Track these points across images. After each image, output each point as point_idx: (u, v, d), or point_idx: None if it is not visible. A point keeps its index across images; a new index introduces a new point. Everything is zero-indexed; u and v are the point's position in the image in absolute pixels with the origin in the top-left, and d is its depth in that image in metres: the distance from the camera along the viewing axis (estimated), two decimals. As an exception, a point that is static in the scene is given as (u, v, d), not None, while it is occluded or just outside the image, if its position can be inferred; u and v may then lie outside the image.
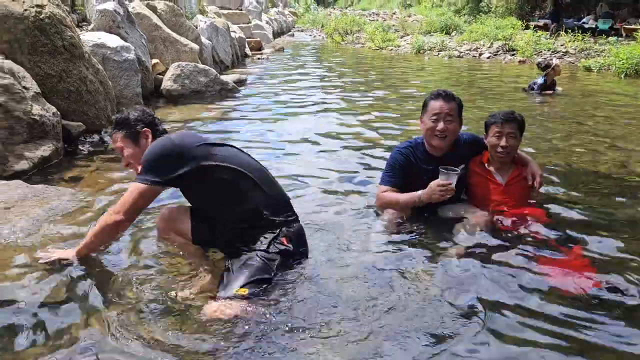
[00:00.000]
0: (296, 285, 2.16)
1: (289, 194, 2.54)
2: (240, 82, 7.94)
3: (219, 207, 2.28)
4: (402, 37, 16.46)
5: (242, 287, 2.03)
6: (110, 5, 5.92)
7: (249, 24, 14.75)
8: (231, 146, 2.41)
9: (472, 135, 3.13)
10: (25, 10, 4.17)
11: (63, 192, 3.20)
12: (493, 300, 2.10)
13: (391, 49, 14.96)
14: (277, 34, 19.73)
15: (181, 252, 2.45)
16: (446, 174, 2.61)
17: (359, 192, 3.40)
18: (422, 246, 2.60)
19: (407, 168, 2.90)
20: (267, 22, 18.05)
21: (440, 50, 13.74)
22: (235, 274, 2.10)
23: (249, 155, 2.44)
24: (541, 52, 12.22)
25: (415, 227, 2.78)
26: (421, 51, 14.04)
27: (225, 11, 13.57)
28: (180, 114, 5.83)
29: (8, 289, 2.14)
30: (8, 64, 3.89)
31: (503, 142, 2.83)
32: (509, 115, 2.87)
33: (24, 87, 3.88)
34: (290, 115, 5.92)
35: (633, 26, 15.20)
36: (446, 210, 2.90)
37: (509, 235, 2.67)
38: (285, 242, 2.23)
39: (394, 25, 20.09)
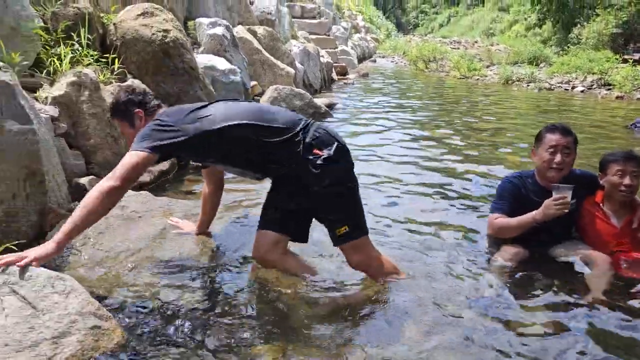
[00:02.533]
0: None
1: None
2: (331, 106, 8.12)
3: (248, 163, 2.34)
4: (488, 67, 16.21)
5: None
6: (219, 30, 6.28)
7: (336, 49, 15.07)
8: (218, 101, 2.45)
9: (584, 171, 3.08)
10: (153, 34, 4.52)
11: (183, 204, 3.41)
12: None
13: (477, 79, 14.76)
14: (360, 60, 20.01)
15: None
16: (560, 190, 2.61)
17: (460, 226, 3.38)
18: (538, 290, 2.55)
19: (517, 198, 2.90)
20: (352, 48, 18.36)
21: (530, 82, 13.40)
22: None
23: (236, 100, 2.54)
24: (640, 87, 11.64)
25: (532, 270, 2.73)
26: (509, 82, 13.76)
27: (314, 36, 13.96)
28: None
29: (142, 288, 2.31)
30: (137, 83, 4.22)
31: (627, 181, 2.74)
32: (630, 153, 2.81)
33: (149, 105, 4.19)
34: (380, 141, 5.97)
35: None
36: (560, 249, 2.84)
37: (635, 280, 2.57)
38: (319, 152, 2.23)
39: (477, 55, 19.86)
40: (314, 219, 2.49)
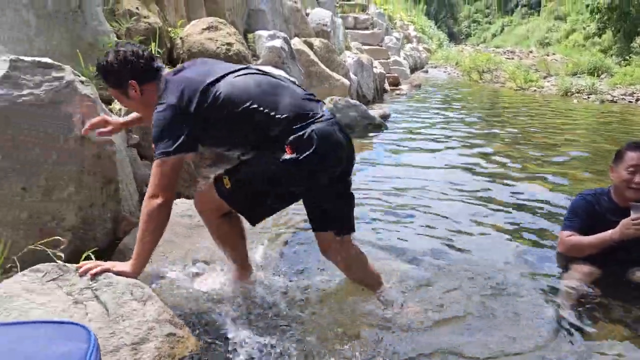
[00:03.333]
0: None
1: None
2: (385, 118, 8.10)
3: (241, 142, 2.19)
4: (545, 78, 15.76)
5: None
6: (278, 43, 6.39)
7: (388, 60, 15.04)
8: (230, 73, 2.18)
9: None
10: (218, 47, 4.66)
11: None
12: None
13: (534, 90, 14.37)
14: (412, 70, 19.89)
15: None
16: (638, 209, 2.52)
17: (526, 242, 3.30)
18: (612, 316, 2.45)
19: (591, 216, 2.80)
20: (404, 58, 18.28)
21: (590, 94, 12.92)
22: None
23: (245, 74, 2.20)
24: None
25: (606, 294, 2.61)
26: (568, 94, 13.32)
27: (367, 47, 13.98)
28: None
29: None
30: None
31: None
32: None
33: (212, 116, 4.31)
34: (435, 153, 5.93)
35: None
36: (636, 273, 2.72)
37: None
38: (289, 152, 2.05)
39: (533, 65, 19.34)
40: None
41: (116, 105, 3.46)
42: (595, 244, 2.70)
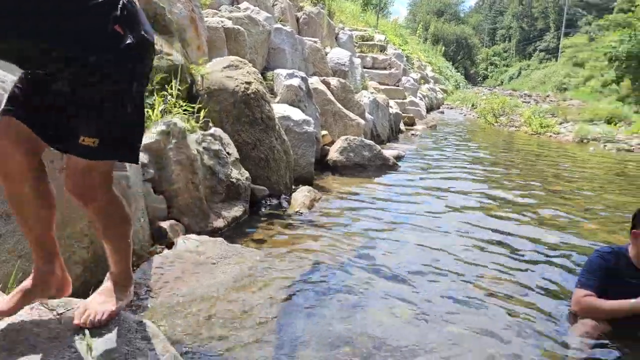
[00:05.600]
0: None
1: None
2: (399, 158, 8.15)
3: None
4: (561, 124, 15.77)
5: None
6: (296, 82, 6.52)
7: (405, 100, 15.19)
8: None
9: None
10: (237, 86, 4.76)
11: (257, 253, 3.49)
12: None
13: (550, 136, 14.36)
14: (427, 110, 20.03)
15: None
16: None
17: (536, 293, 3.26)
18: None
19: (609, 276, 2.75)
20: (420, 99, 18.44)
21: (607, 142, 12.88)
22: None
23: None
24: None
25: (614, 346, 2.59)
26: (584, 141, 13.29)
27: (384, 87, 14.16)
28: (346, 185, 6.12)
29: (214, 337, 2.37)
30: (218, 131, 4.43)
31: None
32: None
33: (227, 153, 4.39)
34: (447, 196, 5.90)
35: None
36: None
37: None
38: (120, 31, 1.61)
39: (550, 110, 19.38)
40: None
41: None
42: (614, 311, 2.64)
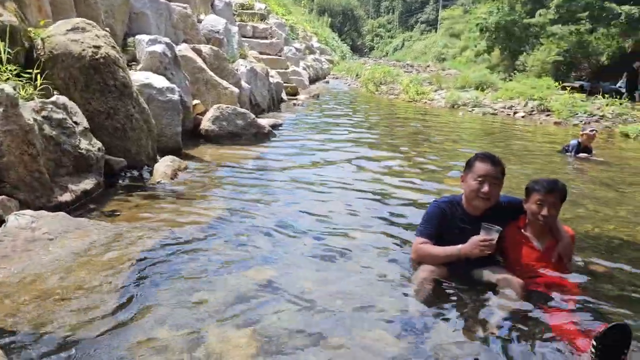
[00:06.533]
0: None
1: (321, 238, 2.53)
2: (276, 127, 8.11)
3: None
4: (436, 91, 16.63)
5: None
6: (159, 48, 6.18)
7: (287, 70, 15.14)
8: None
9: (509, 198, 3.15)
10: (84, 50, 4.40)
11: (103, 226, 3.29)
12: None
13: (425, 102, 15.11)
14: (312, 80, 20.16)
15: None
16: (488, 230, 2.68)
17: (389, 244, 3.40)
18: (458, 310, 2.58)
19: (444, 223, 2.94)
20: (303, 69, 18.49)
21: (475, 107, 13.81)
22: None
23: None
24: (577, 114, 12.17)
25: (449, 289, 2.76)
26: (455, 106, 14.15)
27: (265, 56, 13.98)
28: (218, 154, 5.97)
29: (44, 318, 2.19)
30: (62, 99, 4.08)
31: (544, 212, 2.83)
32: (553, 185, 2.87)
33: (74, 122, 4.06)
34: (320, 163, 5.99)
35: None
36: (481, 272, 2.88)
37: (543, 303, 2.62)
38: None
39: (427, 79, 20.35)
40: None
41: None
42: (445, 257, 2.83)
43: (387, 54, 61.37)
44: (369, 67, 24.56)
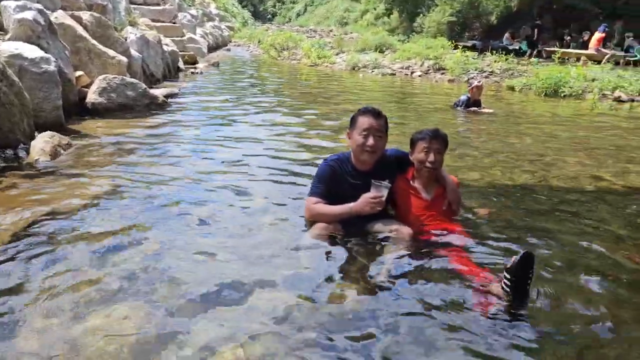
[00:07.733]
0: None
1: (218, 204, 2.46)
2: (171, 96, 7.76)
3: None
4: (337, 54, 16.71)
5: None
6: (29, 15, 5.62)
7: (183, 38, 14.50)
8: None
9: (396, 151, 3.21)
10: None
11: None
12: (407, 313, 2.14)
13: (326, 66, 15.15)
14: (212, 48, 19.51)
15: None
16: (377, 187, 2.71)
17: (286, 205, 3.38)
18: (351, 263, 2.62)
19: (335, 181, 2.94)
20: (201, 36, 17.82)
21: (374, 68, 14.05)
22: None
23: None
24: (469, 71, 12.75)
25: (344, 243, 2.79)
26: (355, 68, 14.31)
27: (158, 24, 13.27)
28: (107, 128, 5.61)
29: None
30: None
31: (431, 158, 2.93)
32: (435, 132, 2.99)
33: None
34: (220, 130, 5.83)
35: (553, 49, 16.23)
36: (373, 225, 2.93)
37: (433, 250, 2.72)
38: None
39: (329, 43, 20.39)
40: None
41: None
42: (338, 215, 2.85)
43: (290, 19, 60.70)
44: (271, 34, 24.17)
